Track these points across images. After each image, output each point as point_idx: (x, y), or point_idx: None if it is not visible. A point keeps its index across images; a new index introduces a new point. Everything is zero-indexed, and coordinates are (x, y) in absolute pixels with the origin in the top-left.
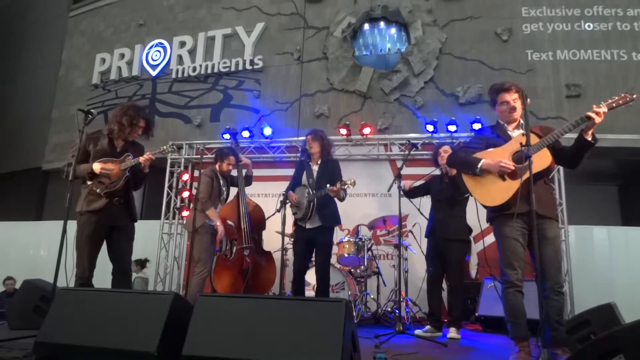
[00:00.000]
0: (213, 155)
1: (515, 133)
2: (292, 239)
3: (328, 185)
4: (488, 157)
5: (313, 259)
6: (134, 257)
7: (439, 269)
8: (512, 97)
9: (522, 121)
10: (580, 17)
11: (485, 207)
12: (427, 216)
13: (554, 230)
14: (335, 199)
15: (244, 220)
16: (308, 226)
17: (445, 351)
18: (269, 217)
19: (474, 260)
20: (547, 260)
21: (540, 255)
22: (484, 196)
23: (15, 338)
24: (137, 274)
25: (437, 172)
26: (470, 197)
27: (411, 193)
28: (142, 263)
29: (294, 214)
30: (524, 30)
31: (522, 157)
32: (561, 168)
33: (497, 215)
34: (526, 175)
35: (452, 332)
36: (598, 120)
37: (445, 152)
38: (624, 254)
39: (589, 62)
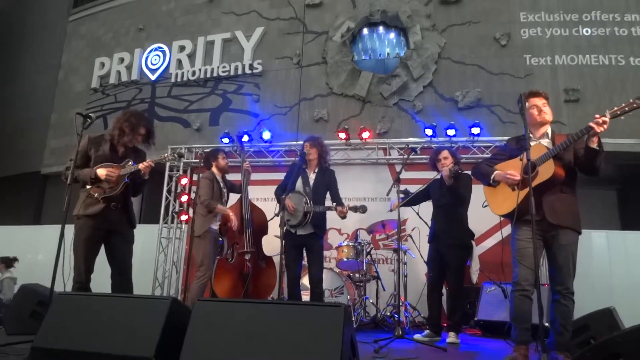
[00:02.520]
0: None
1: (538, 142)
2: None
3: (335, 205)
4: (504, 168)
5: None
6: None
7: (439, 274)
8: (542, 102)
9: (548, 131)
10: (579, 22)
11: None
12: (427, 221)
13: (568, 238)
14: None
15: (247, 224)
16: (299, 232)
17: (444, 356)
18: (268, 221)
19: (475, 265)
20: (558, 266)
21: (552, 260)
22: (495, 205)
23: (12, 343)
24: (2, 274)
25: (439, 176)
26: (470, 201)
27: (412, 200)
28: (8, 262)
29: (287, 220)
30: (523, 35)
31: (531, 167)
32: None
33: (513, 221)
34: (534, 183)
35: (452, 337)
36: (599, 130)
37: (445, 158)
38: (623, 258)
39: (587, 67)
